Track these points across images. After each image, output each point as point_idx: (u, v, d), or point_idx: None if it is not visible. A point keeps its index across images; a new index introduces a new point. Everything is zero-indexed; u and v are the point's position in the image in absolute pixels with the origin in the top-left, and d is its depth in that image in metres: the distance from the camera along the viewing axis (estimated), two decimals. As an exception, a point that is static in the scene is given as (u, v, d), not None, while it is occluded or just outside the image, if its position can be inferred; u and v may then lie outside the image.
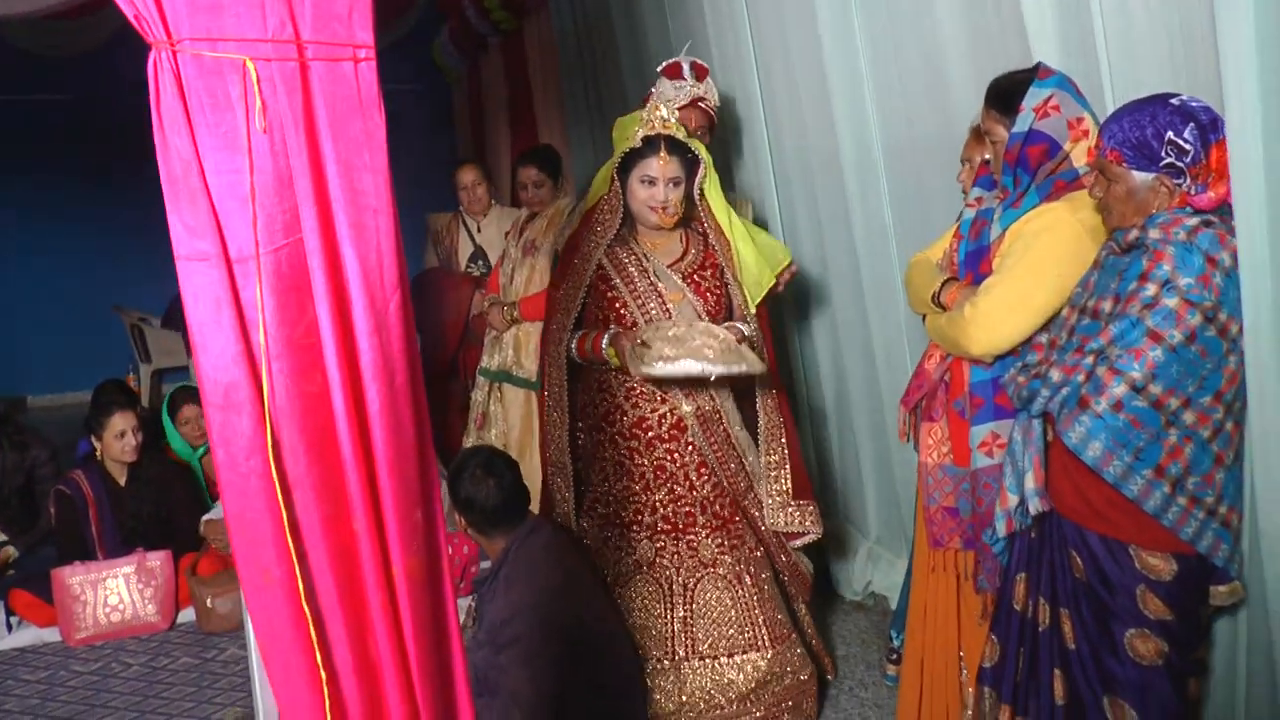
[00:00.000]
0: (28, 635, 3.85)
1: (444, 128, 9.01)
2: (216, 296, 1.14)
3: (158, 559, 3.89)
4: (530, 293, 4.04)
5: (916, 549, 2.69)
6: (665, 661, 2.87)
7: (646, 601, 2.91)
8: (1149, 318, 1.92)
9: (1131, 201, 2.01)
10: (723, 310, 2.93)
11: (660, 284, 2.87)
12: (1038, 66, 2.28)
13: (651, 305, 2.85)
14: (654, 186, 2.81)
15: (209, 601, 3.80)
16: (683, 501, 2.91)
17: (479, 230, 4.69)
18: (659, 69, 3.40)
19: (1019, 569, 2.26)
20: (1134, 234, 2.00)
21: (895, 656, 2.90)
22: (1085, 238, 2.20)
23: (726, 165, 3.96)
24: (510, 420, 4.09)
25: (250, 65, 1.12)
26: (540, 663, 2.48)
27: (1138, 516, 2.00)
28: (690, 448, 2.90)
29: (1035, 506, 2.15)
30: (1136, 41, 2.26)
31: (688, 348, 2.60)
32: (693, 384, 2.82)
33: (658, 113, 2.84)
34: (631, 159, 2.83)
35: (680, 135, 2.83)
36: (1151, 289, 1.93)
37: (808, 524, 2.95)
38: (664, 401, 2.88)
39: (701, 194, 2.93)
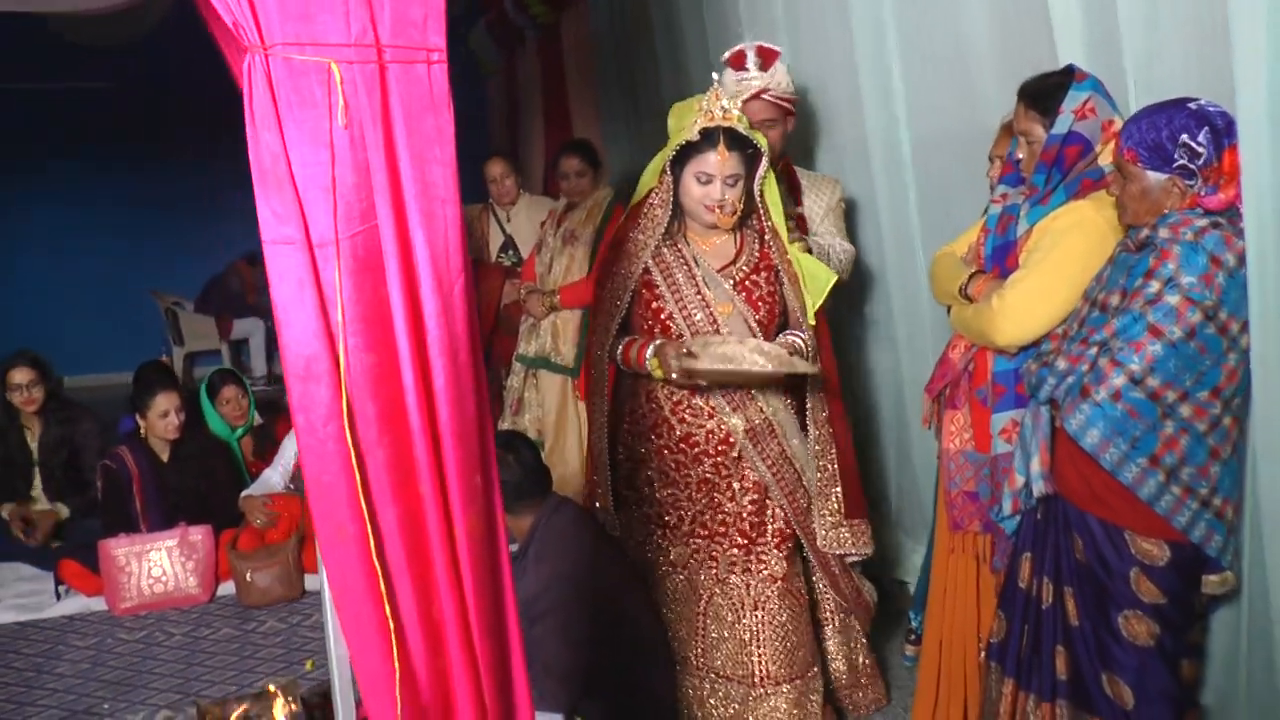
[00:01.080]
0: (76, 604, 4.01)
1: (477, 119, 9.15)
2: (299, 277, 1.25)
3: (199, 533, 4.02)
4: (569, 281, 4.16)
5: (937, 533, 2.78)
6: (691, 663, 2.85)
7: (676, 599, 2.87)
8: (1151, 313, 2.02)
9: (1145, 200, 2.10)
10: (775, 320, 2.77)
11: (709, 293, 2.70)
12: (1071, 69, 2.36)
13: (699, 317, 2.69)
14: (710, 184, 2.62)
15: (248, 576, 3.93)
16: (722, 510, 2.79)
17: (508, 220, 4.80)
18: (723, 58, 3.18)
19: (1025, 548, 2.36)
20: (1145, 232, 2.10)
21: (914, 637, 3.00)
22: (1109, 235, 2.29)
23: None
24: (546, 405, 4.22)
25: (335, 68, 1.24)
26: (574, 634, 2.60)
27: (1133, 503, 2.10)
28: (739, 462, 2.76)
29: (1039, 489, 2.25)
30: (1159, 43, 2.34)
31: (736, 365, 2.52)
32: (741, 397, 2.72)
33: (718, 102, 2.63)
34: (687, 152, 2.64)
35: (742, 128, 2.63)
36: (1155, 286, 2.03)
37: (860, 544, 2.85)
38: (711, 417, 2.74)
39: (761, 192, 2.72)
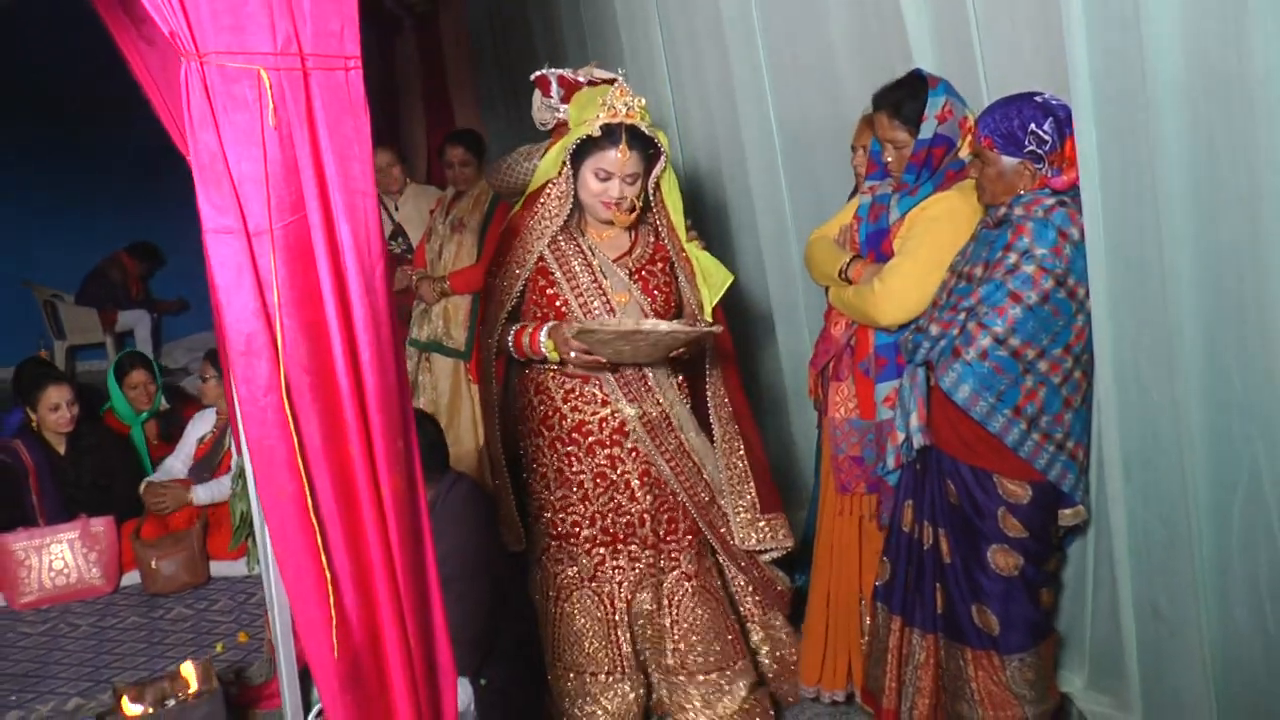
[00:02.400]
0: (-28, 601, 4.00)
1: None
2: (238, 263, 1.39)
3: (101, 524, 4.06)
4: (458, 267, 4.30)
5: (822, 497, 2.98)
6: (614, 676, 2.77)
7: (588, 616, 2.79)
8: (1010, 281, 2.29)
9: (1001, 182, 2.37)
10: (671, 310, 2.75)
11: (606, 281, 2.67)
12: (920, 74, 2.60)
13: (595, 304, 2.67)
14: (609, 181, 2.60)
15: (154, 563, 3.99)
16: (623, 512, 2.74)
17: (396, 209, 4.90)
18: (532, 77, 3.09)
19: (906, 497, 2.61)
20: (1002, 211, 2.37)
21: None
22: (972, 218, 2.55)
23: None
24: (440, 388, 4.34)
25: (264, 74, 1.38)
26: (469, 603, 2.74)
27: (1000, 450, 2.36)
28: (634, 454, 2.73)
29: (918, 441, 2.50)
30: (1007, 42, 2.59)
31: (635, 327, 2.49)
32: (637, 387, 2.70)
33: (623, 98, 2.58)
34: (587, 146, 2.59)
35: (644, 126, 2.59)
36: (1013, 257, 2.29)
37: (779, 538, 2.84)
38: (604, 404, 2.70)
39: (657, 188, 2.70)
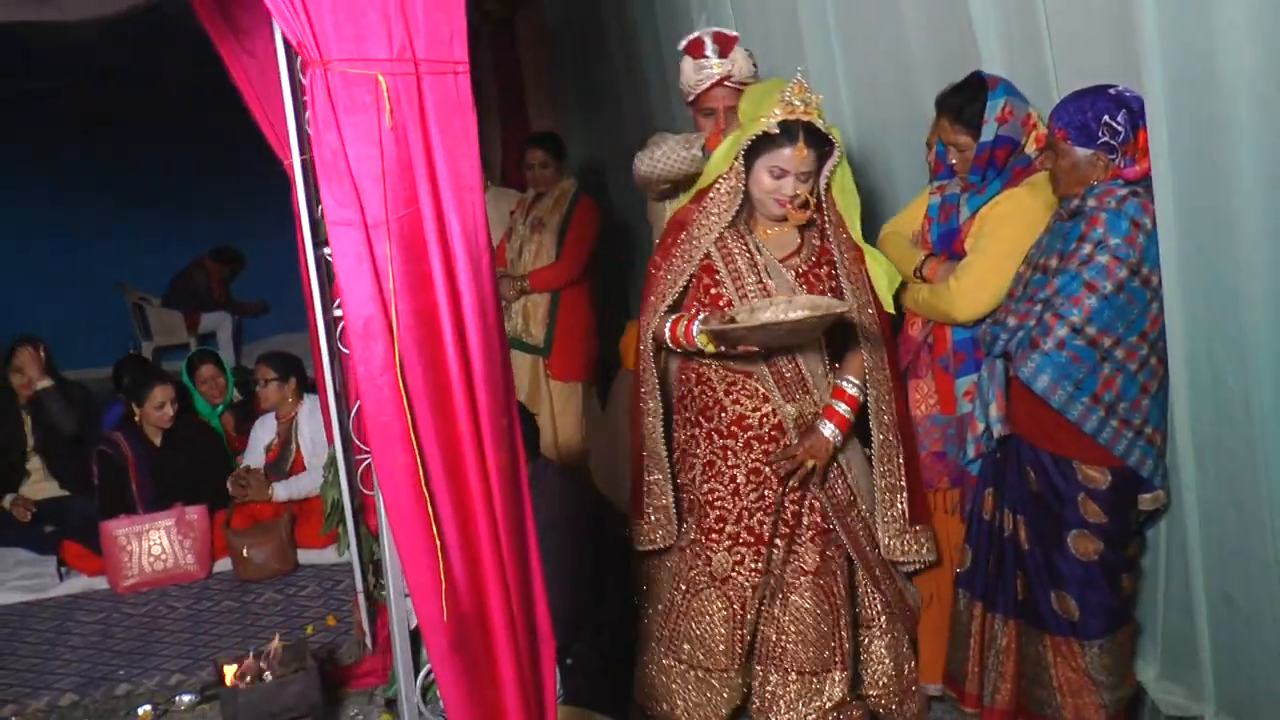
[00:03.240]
0: (78, 583, 4.21)
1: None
2: (357, 252, 1.51)
3: (195, 513, 4.25)
4: (538, 265, 4.44)
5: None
6: (728, 674, 2.78)
7: (713, 618, 2.76)
8: (1085, 271, 2.34)
9: (1075, 173, 2.42)
10: None
11: (770, 281, 2.64)
12: (980, 75, 2.66)
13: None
14: (784, 179, 2.55)
15: (245, 551, 4.16)
16: (770, 510, 2.70)
17: None
18: (680, 47, 3.16)
19: (986, 485, 2.67)
20: (1075, 203, 2.42)
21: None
22: (1042, 213, 2.60)
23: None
24: (519, 384, 4.47)
25: (381, 79, 1.50)
26: (564, 579, 2.87)
27: (1079, 436, 2.42)
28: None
29: (998, 430, 2.56)
30: (1076, 35, 2.63)
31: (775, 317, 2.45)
32: (796, 388, 2.69)
33: (801, 94, 2.53)
34: (762, 143, 2.55)
35: (821, 123, 2.55)
36: (1087, 248, 2.35)
37: (924, 552, 2.77)
38: (766, 400, 2.68)
39: (829, 187, 2.66)
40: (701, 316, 2.60)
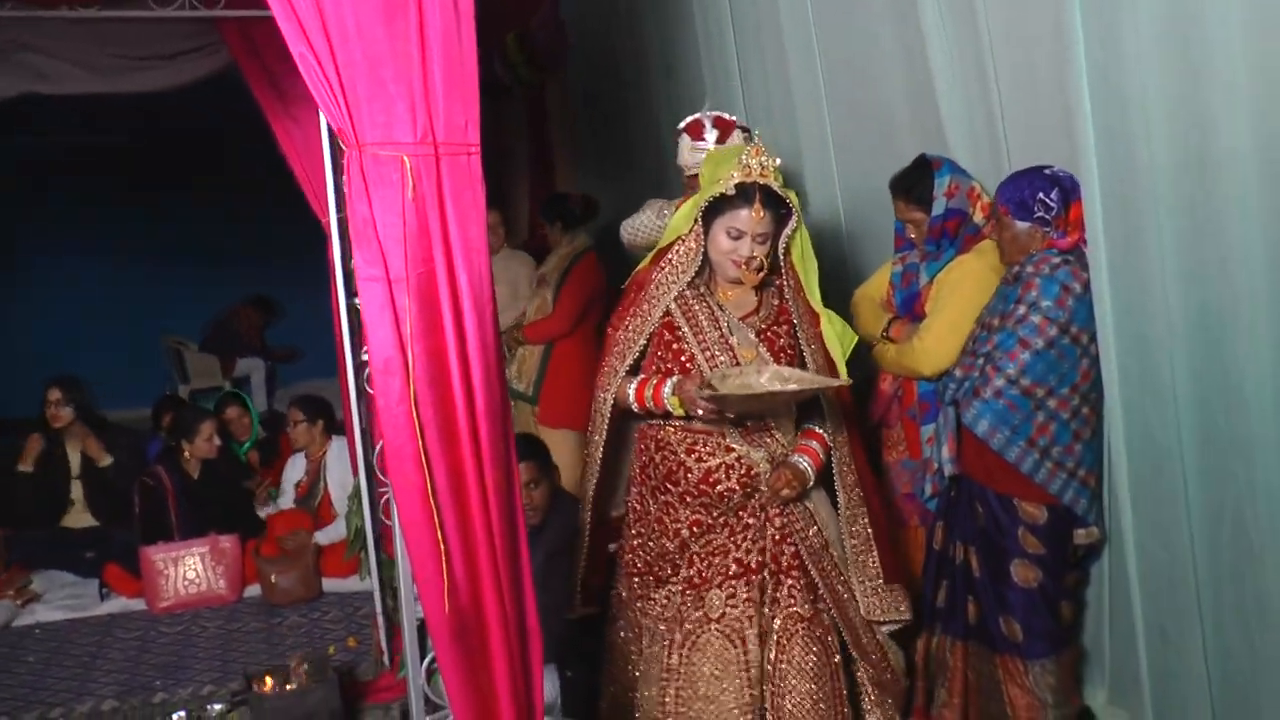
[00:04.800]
0: (118, 604, 4.54)
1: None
2: (381, 302, 1.82)
3: (228, 541, 4.56)
4: (535, 319, 4.79)
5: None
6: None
7: (718, 660, 2.66)
8: (1020, 330, 2.65)
9: (1016, 243, 2.73)
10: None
11: (733, 338, 2.64)
12: (925, 158, 2.98)
13: (722, 360, 2.61)
14: (741, 240, 2.57)
15: (273, 577, 4.47)
16: (759, 544, 2.69)
17: None
18: (680, 126, 3.31)
19: (939, 519, 2.95)
20: (1016, 269, 2.72)
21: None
22: (991, 276, 2.92)
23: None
24: (518, 427, 4.78)
25: (406, 160, 1.82)
26: (560, 598, 3.13)
27: (1018, 476, 2.70)
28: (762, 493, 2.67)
29: (949, 470, 2.85)
30: (1027, 120, 2.94)
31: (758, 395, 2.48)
32: (760, 434, 2.66)
33: (758, 158, 2.55)
34: (719, 205, 2.58)
35: (777, 186, 2.57)
36: (1022, 309, 2.66)
37: (901, 611, 2.75)
38: (730, 451, 2.64)
39: (786, 250, 2.68)
40: (675, 380, 2.60)
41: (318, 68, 1.79)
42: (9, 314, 8.90)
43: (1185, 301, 2.41)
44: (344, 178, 1.83)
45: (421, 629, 2.11)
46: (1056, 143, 2.73)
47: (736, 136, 3.29)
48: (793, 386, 2.51)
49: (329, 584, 4.58)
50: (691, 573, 2.70)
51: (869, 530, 2.74)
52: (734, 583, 2.68)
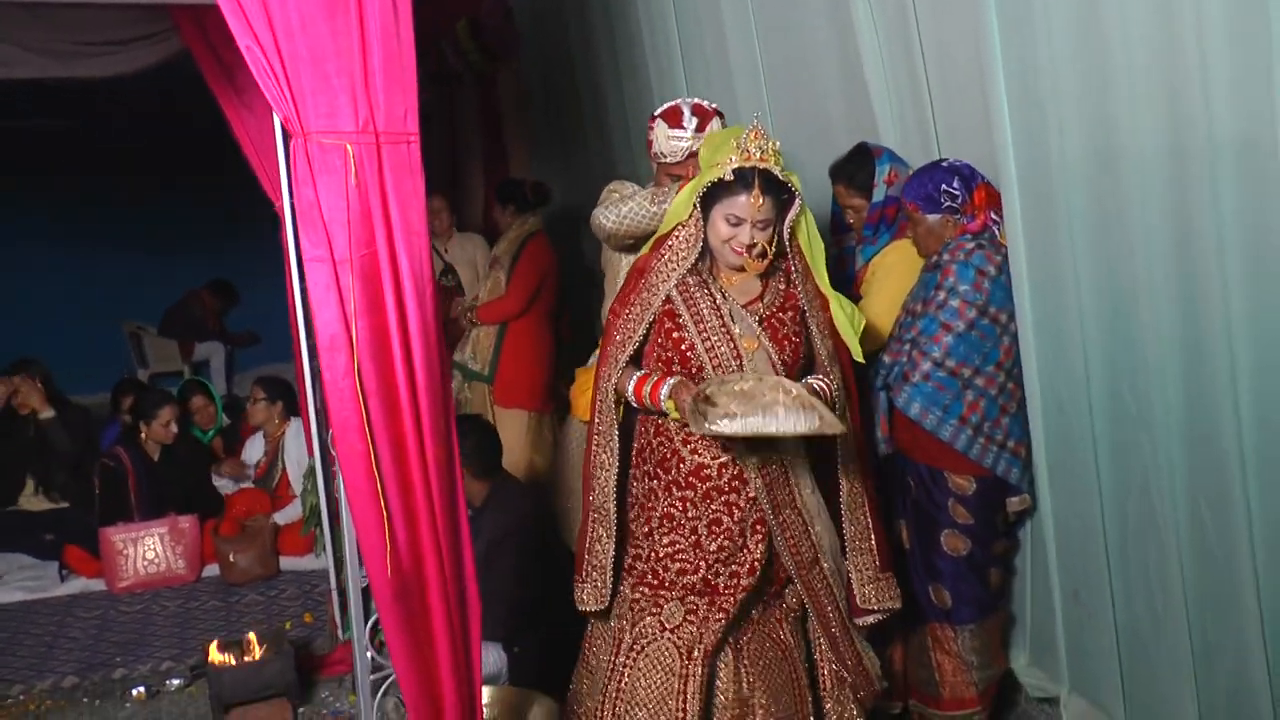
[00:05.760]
0: (78, 584, 4.61)
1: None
2: (327, 282, 1.93)
3: (186, 521, 4.64)
4: (488, 300, 4.91)
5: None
6: None
7: (662, 670, 2.56)
8: (941, 314, 2.79)
9: (931, 236, 2.87)
10: (799, 360, 2.59)
11: (734, 327, 2.54)
12: (864, 146, 3.11)
13: (722, 350, 2.51)
14: (740, 227, 2.47)
15: (231, 557, 4.55)
16: (732, 561, 2.56)
17: (446, 251, 5.50)
18: (657, 113, 3.16)
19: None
20: (934, 258, 2.86)
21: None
22: (920, 261, 3.04)
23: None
24: (475, 408, 4.90)
25: (349, 147, 1.93)
26: (520, 575, 3.28)
27: (949, 452, 2.83)
28: (751, 503, 2.56)
29: (882, 450, 2.98)
30: (954, 117, 3.07)
31: (757, 404, 2.33)
32: (759, 440, 2.49)
33: (756, 141, 2.46)
34: (718, 190, 2.48)
35: (778, 170, 2.47)
36: (942, 295, 2.80)
37: (892, 596, 2.68)
38: (725, 451, 2.55)
39: (792, 234, 2.58)
40: (672, 384, 2.50)
41: (264, 60, 1.89)
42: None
43: (1095, 287, 2.57)
44: (290, 161, 1.92)
45: (366, 592, 2.22)
46: (979, 140, 2.87)
47: (715, 125, 3.14)
48: (797, 429, 2.31)
49: (286, 562, 4.67)
50: (695, 579, 2.57)
51: (869, 519, 2.67)
52: (695, 599, 2.56)
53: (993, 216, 2.80)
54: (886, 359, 2.94)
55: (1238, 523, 2.28)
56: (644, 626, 2.59)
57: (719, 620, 2.55)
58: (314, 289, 1.94)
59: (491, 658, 3.21)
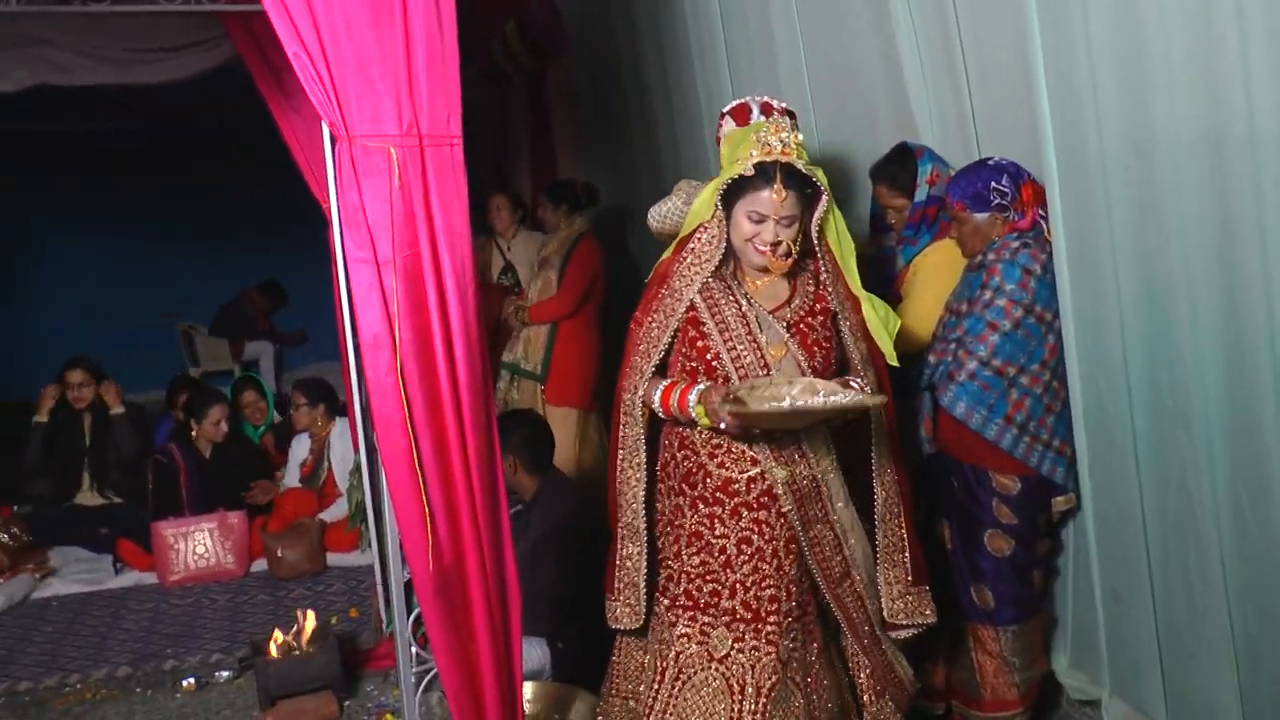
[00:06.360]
0: (131, 578, 4.72)
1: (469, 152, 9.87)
2: (370, 282, 1.98)
3: (235, 517, 4.74)
4: (539, 299, 4.96)
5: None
6: None
7: (711, 703, 2.43)
8: (987, 314, 2.77)
9: (978, 235, 2.86)
10: (831, 367, 2.49)
11: (761, 335, 2.43)
12: (905, 146, 3.11)
13: (748, 358, 2.42)
14: (763, 224, 2.37)
15: (279, 552, 4.64)
16: (768, 583, 2.45)
17: (509, 249, 5.56)
18: (725, 110, 2.94)
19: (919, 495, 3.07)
20: (979, 257, 2.85)
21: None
22: (962, 261, 3.03)
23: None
24: (525, 406, 4.94)
25: (392, 151, 1.97)
26: (566, 570, 3.32)
27: (995, 451, 2.82)
28: (782, 521, 2.45)
29: (926, 449, 2.98)
30: (994, 112, 3.06)
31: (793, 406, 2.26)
32: (789, 451, 2.44)
33: (777, 134, 2.37)
34: (739, 187, 2.38)
35: (801, 164, 2.37)
36: (988, 294, 2.78)
37: (926, 612, 2.60)
38: (754, 464, 2.44)
39: (820, 232, 2.47)
40: (701, 390, 2.39)
41: (310, 65, 1.94)
42: (22, 297, 9.09)
43: (1133, 280, 2.55)
44: (334, 165, 1.97)
45: (408, 587, 2.26)
46: (1020, 137, 2.86)
47: (785, 122, 2.93)
48: (820, 400, 2.26)
49: (333, 559, 4.74)
50: (734, 603, 2.46)
51: (904, 530, 2.59)
52: (741, 626, 2.46)
53: (1039, 213, 2.79)
54: (931, 358, 2.94)
55: (1278, 521, 2.25)
56: (690, 656, 2.47)
57: (770, 654, 2.43)
58: (358, 289, 1.98)
59: (536, 653, 3.25)
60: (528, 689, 3.01)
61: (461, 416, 2.06)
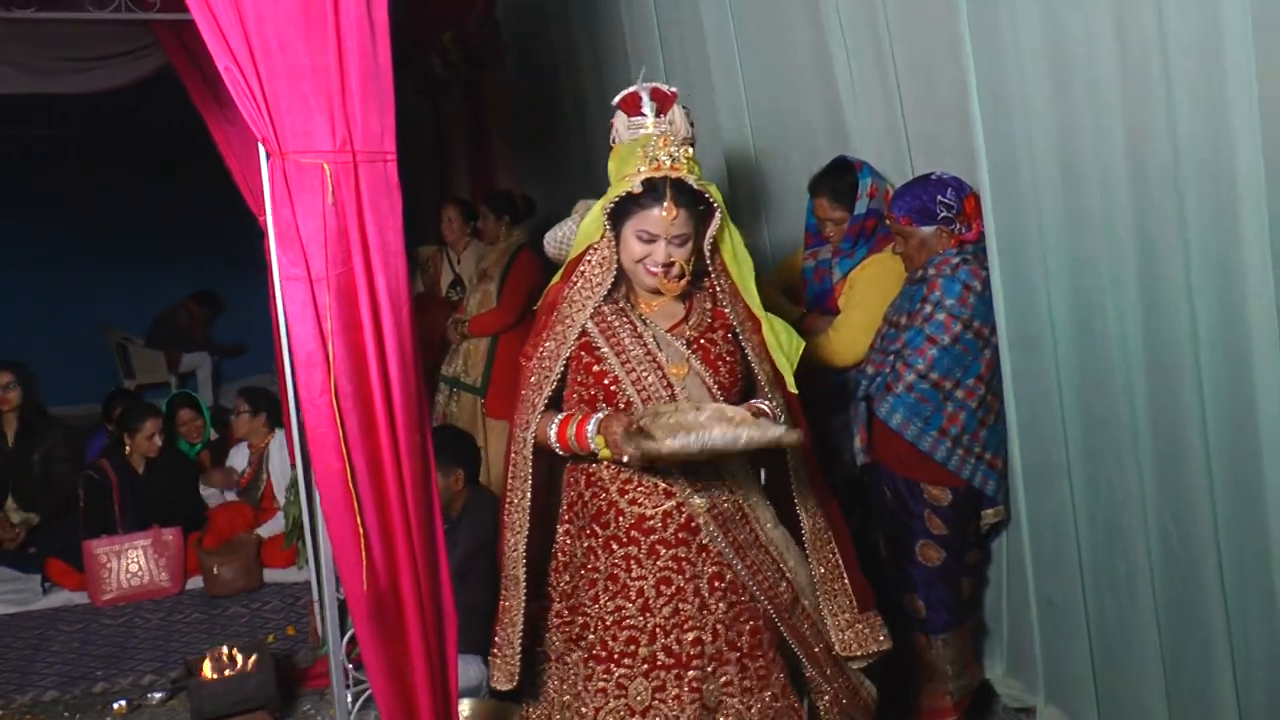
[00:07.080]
0: (60, 597, 4.61)
1: (410, 167, 9.79)
2: (303, 300, 1.95)
3: (170, 534, 4.65)
4: (478, 312, 4.92)
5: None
6: None
7: None
8: (926, 327, 2.81)
9: (924, 249, 2.89)
10: (737, 384, 2.34)
11: (661, 354, 2.28)
12: (844, 159, 3.14)
13: (650, 379, 2.25)
14: (654, 244, 2.22)
15: (215, 569, 4.55)
16: (690, 626, 2.26)
17: (458, 262, 5.52)
18: (614, 102, 2.62)
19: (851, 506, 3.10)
20: (920, 271, 2.89)
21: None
22: (901, 273, 3.07)
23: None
24: (464, 420, 4.90)
25: (326, 167, 1.95)
26: (487, 589, 3.27)
27: (928, 462, 2.86)
28: (705, 555, 2.28)
29: (860, 459, 3.01)
30: (930, 126, 3.11)
31: (702, 439, 2.05)
32: (707, 477, 2.28)
33: (665, 149, 2.23)
34: (627, 205, 2.23)
35: (693, 179, 2.22)
36: (928, 308, 2.82)
37: (880, 638, 2.44)
38: (669, 496, 2.26)
39: (714, 250, 2.33)
40: (599, 418, 2.21)
41: (242, 80, 1.91)
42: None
43: (1064, 296, 2.60)
44: (268, 180, 1.94)
45: (342, 607, 2.24)
46: (954, 151, 2.91)
47: (677, 111, 2.61)
48: (731, 438, 2.06)
49: (270, 574, 4.68)
50: (653, 649, 2.27)
51: (837, 556, 2.44)
52: (662, 673, 2.26)
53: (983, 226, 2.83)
54: (869, 369, 2.97)
55: (1203, 530, 2.31)
56: (609, 712, 2.26)
57: (693, 702, 2.24)
58: (291, 307, 1.96)
59: (472, 670, 3.22)
60: (464, 706, 2.98)
61: (396, 437, 2.04)
